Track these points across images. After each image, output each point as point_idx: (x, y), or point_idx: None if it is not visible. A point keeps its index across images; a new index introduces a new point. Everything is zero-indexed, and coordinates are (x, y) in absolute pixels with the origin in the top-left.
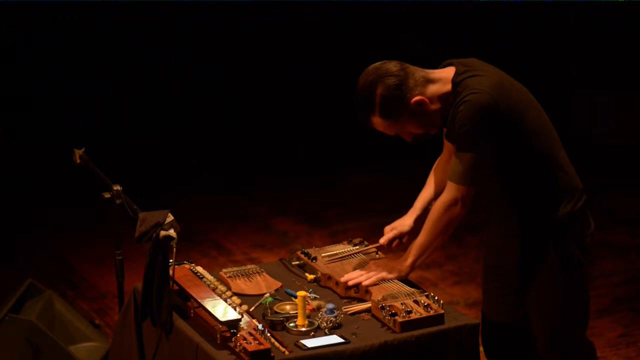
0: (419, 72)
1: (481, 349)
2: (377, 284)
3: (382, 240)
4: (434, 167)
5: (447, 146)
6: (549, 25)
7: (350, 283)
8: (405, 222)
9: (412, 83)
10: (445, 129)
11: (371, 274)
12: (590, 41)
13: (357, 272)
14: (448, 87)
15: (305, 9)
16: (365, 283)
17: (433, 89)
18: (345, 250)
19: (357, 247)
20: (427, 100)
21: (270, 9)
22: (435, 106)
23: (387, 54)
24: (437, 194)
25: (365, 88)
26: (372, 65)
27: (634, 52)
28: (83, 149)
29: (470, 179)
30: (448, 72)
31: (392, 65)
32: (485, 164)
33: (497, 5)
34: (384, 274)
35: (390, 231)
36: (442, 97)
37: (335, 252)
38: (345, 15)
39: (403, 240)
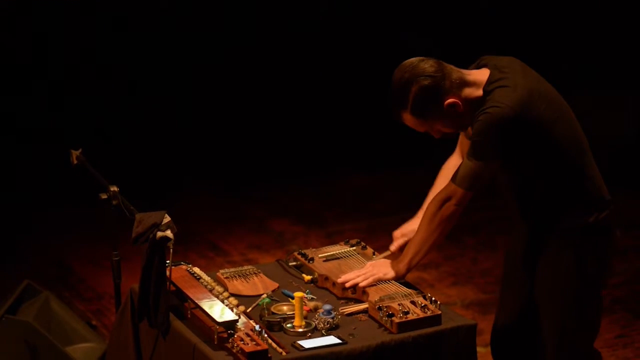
0: (456, 74)
1: (481, 350)
2: (374, 285)
3: (393, 248)
4: (442, 167)
5: (463, 144)
6: (540, 23)
7: (347, 285)
8: (414, 228)
9: (448, 84)
10: (470, 129)
11: (368, 274)
12: (582, 40)
13: (354, 273)
14: (480, 92)
15: (303, 9)
16: (362, 284)
17: (467, 92)
18: (343, 251)
19: (354, 247)
20: (460, 102)
21: (267, 9)
22: (466, 108)
23: (387, 53)
24: None
25: (400, 84)
26: (408, 60)
27: (625, 50)
28: (80, 150)
29: (469, 185)
30: (483, 76)
31: (429, 65)
32: (493, 174)
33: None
34: (380, 275)
35: (400, 237)
36: (474, 101)
37: (332, 252)
38: (347, 14)
39: None
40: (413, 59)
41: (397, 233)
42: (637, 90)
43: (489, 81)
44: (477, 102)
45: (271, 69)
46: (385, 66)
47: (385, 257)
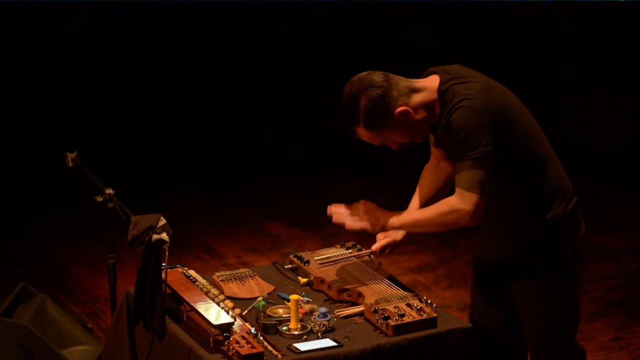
0: (403, 82)
1: None
2: (368, 284)
3: (375, 247)
4: (421, 175)
5: (435, 153)
6: (541, 28)
7: (334, 219)
8: (397, 234)
9: (396, 94)
10: (432, 137)
11: (356, 219)
12: (582, 44)
13: (345, 212)
14: (433, 95)
15: (299, 11)
16: (347, 225)
17: (417, 98)
18: (338, 253)
19: (350, 250)
20: (411, 110)
21: (264, 10)
22: (420, 115)
23: (378, 54)
24: (426, 203)
25: (349, 99)
26: (357, 75)
27: (623, 54)
28: (75, 153)
29: (481, 188)
30: (433, 81)
31: (377, 76)
32: (490, 165)
33: (490, 7)
34: (367, 226)
35: (383, 238)
36: (427, 106)
37: (327, 255)
38: (341, 18)
39: (395, 249)
40: (361, 73)
41: (380, 235)
42: (631, 93)
43: (442, 82)
44: (433, 105)
45: (269, 71)
46: (384, 66)
47: (366, 256)
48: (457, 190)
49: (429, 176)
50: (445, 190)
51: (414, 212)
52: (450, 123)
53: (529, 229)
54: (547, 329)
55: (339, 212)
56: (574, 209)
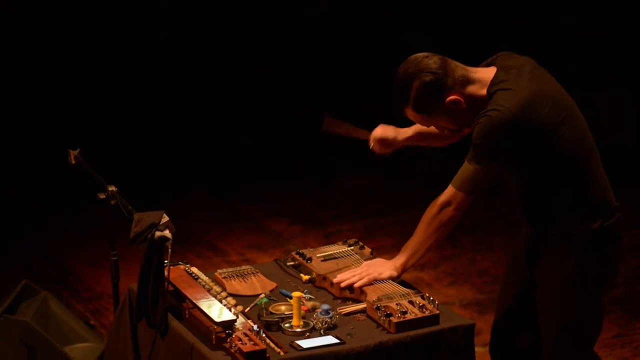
0: (459, 71)
1: (479, 349)
2: (371, 284)
3: (372, 135)
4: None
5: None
6: (546, 23)
7: (342, 284)
8: (397, 135)
9: (450, 81)
10: None
11: (363, 274)
12: (586, 40)
13: (350, 273)
14: (483, 91)
15: (301, 8)
16: (357, 284)
17: (470, 89)
18: (341, 250)
19: (352, 247)
20: (462, 100)
21: (268, 9)
22: (470, 106)
23: (386, 54)
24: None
25: (402, 80)
26: (414, 56)
27: (626, 50)
28: (78, 150)
29: (469, 189)
30: (488, 74)
31: (433, 62)
32: (492, 177)
33: (492, 5)
34: (376, 275)
35: (382, 131)
36: (477, 100)
37: (330, 252)
38: (347, 14)
39: (382, 150)
40: (418, 54)
41: (382, 126)
42: (637, 89)
43: (493, 82)
44: (481, 101)
45: (270, 69)
46: (383, 67)
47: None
48: (449, 185)
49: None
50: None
51: (409, 242)
52: (476, 125)
53: (562, 237)
54: (565, 337)
55: (344, 277)
56: (612, 225)
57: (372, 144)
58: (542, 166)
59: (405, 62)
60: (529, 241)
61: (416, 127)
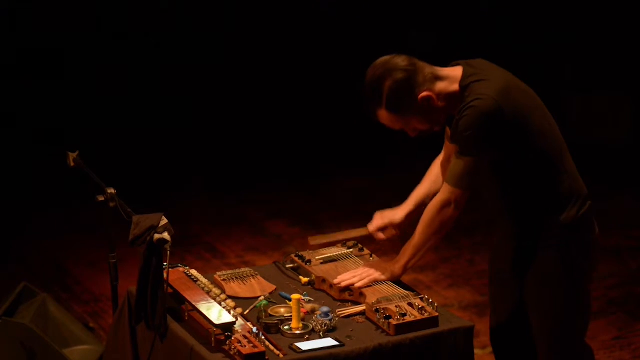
0: (428, 69)
1: (478, 352)
2: (370, 286)
3: (371, 228)
4: (432, 165)
5: (448, 147)
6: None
7: (342, 285)
8: (397, 215)
9: (421, 79)
10: (448, 130)
11: (364, 275)
12: (583, 42)
13: (350, 274)
14: (455, 87)
15: (304, 10)
16: (357, 285)
17: (441, 86)
18: (340, 253)
19: (351, 249)
20: (434, 96)
21: (268, 9)
22: (441, 103)
23: (383, 52)
24: (433, 192)
25: (373, 81)
26: (381, 58)
27: (624, 52)
28: (77, 152)
29: (466, 184)
30: (456, 72)
31: (401, 60)
32: (484, 169)
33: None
34: (376, 276)
35: (380, 219)
36: (449, 96)
37: (329, 254)
38: (347, 15)
39: (388, 233)
40: (385, 57)
41: (378, 214)
42: (635, 91)
43: (464, 76)
44: (454, 97)
45: (270, 70)
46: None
47: (361, 235)
48: (444, 184)
49: (439, 168)
50: None
51: (409, 243)
52: (460, 119)
53: (541, 230)
54: (557, 330)
55: (344, 278)
56: (587, 212)
57: (377, 236)
58: (522, 155)
59: (372, 65)
60: (508, 241)
61: (413, 197)
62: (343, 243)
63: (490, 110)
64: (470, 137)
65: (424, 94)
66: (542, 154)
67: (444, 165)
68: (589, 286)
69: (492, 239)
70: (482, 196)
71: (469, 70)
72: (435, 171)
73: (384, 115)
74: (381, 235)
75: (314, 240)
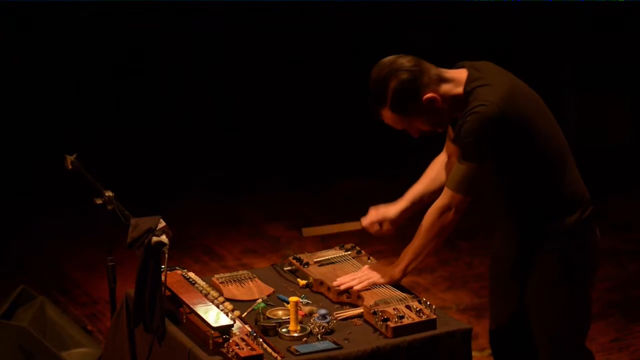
0: (434, 70)
1: (476, 354)
2: (369, 289)
3: (365, 223)
4: (431, 164)
5: (449, 148)
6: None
7: (341, 287)
8: (390, 210)
9: (426, 80)
10: (451, 132)
11: (363, 278)
12: (581, 42)
13: (349, 277)
14: (459, 89)
15: (302, 10)
16: (356, 287)
17: (445, 88)
18: (338, 255)
19: (349, 252)
20: (439, 98)
21: (268, 9)
22: (445, 105)
23: (383, 52)
24: (429, 190)
25: (378, 80)
26: (387, 58)
27: (622, 52)
28: (74, 155)
29: (467, 189)
30: (461, 74)
31: (407, 61)
32: (485, 174)
33: (491, 5)
34: (375, 279)
35: (374, 213)
36: (453, 99)
37: (327, 257)
38: (344, 17)
39: (382, 227)
40: (390, 56)
41: (372, 208)
42: (633, 91)
43: (469, 80)
44: (458, 100)
45: (268, 73)
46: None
47: (354, 229)
48: (444, 189)
49: (437, 168)
50: None
51: (409, 247)
52: (463, 124)
53: (543, 235)
54: (557, 334)
55: (343, 281)
56: (589, 217)
57: (371, 229)
58: (524, 159)
59: (377, 64)
60: (510, 244)
61: (409, 194)
62: (341, 246)
63: (493, 117)
64: (472, 144)
65: (429, 95)
66: (546, 159)
67: (445, 165)
68: (590, 291)
69: (493, 242)
70: (483, 200)
71: (474, 74)
72: (434, 169)
73: (387, 115)
74: (375, 227)
75: (308, 232)
